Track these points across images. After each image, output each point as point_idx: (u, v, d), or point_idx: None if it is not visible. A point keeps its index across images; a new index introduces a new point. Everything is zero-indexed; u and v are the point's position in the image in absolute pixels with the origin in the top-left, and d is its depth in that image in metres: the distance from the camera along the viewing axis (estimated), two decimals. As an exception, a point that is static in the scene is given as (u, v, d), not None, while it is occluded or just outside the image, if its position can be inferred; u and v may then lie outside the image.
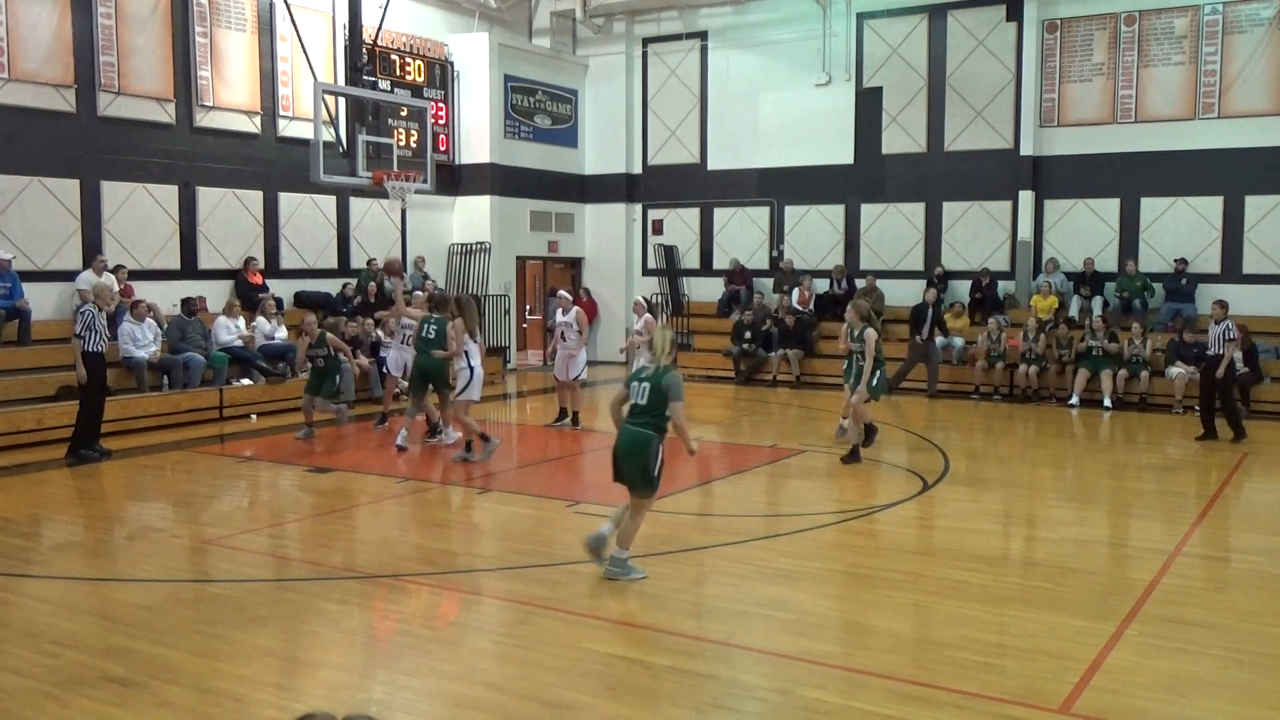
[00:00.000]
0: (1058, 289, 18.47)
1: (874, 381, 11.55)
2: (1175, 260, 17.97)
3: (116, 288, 15.03)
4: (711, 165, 22.42)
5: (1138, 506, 10.22)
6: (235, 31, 17.14)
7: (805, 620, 6.70)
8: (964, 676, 5.65)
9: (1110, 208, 18.91)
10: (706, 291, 22.18)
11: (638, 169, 23.23)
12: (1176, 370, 16.07)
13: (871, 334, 11.41)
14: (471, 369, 11.72)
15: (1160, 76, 18.37)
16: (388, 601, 7.08)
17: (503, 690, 5.50)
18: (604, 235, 23.52)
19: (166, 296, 15.74)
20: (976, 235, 19.95)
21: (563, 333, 14.08)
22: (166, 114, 16.29)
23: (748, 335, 19.78)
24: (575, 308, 14.34)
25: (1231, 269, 17.92)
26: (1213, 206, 18.07)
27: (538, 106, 22.28)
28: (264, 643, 6.15)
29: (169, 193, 16.39)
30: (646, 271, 23.17)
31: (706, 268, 22.49)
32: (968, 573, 7.60)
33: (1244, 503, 10.39)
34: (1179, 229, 18.28)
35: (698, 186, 22.51)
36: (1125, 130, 18.65)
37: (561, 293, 14.87)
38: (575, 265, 23.87)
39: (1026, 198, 19.40)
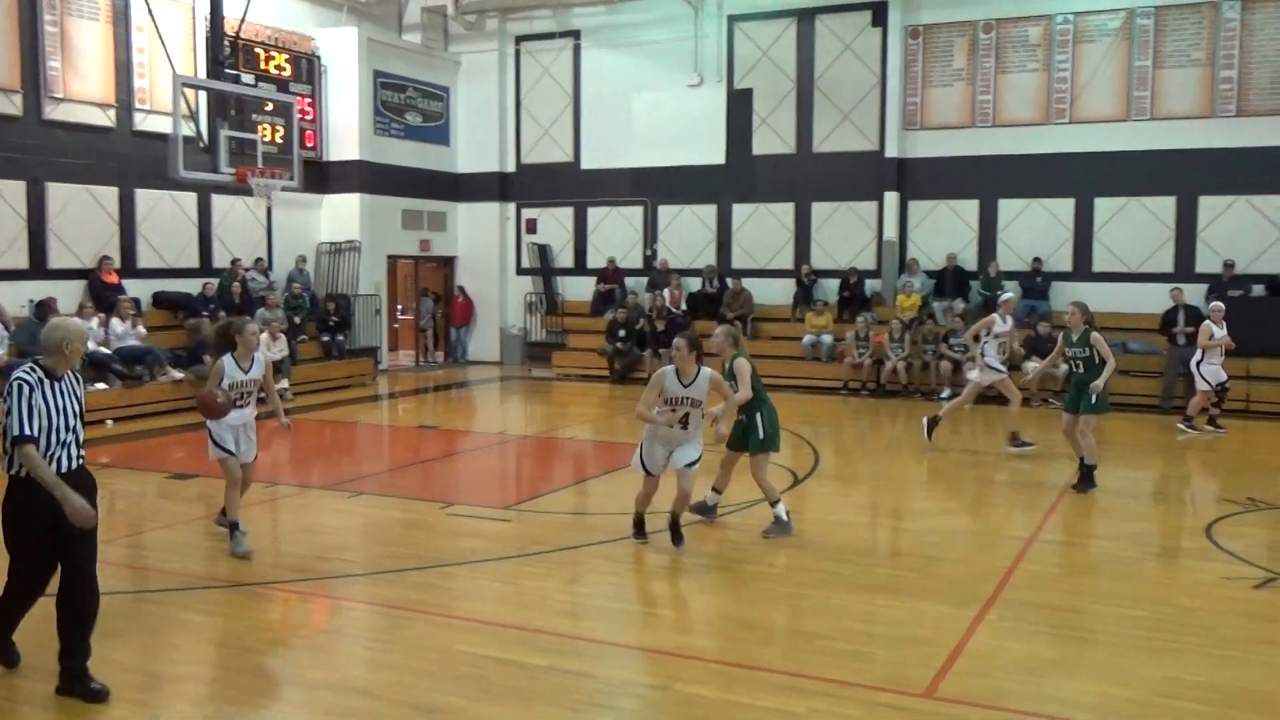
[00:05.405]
0: (918, 289, 19.02)
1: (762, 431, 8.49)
2: (1032, 259, 18.72)
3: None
4: (585, 164, 22.40)
5: (997, 496, 10.59)
6: (88, 20, 16.39)
7: (681, 616, 6.75)
8: (836, 665, 5.77)
9: (970, 208, 19.56)
10: (580, 291, 22.17)
11: (511, 167, 23.06)
12: (1032, 364, 16.68)
13: (744, 364, 8.28)
14: None
15: (1016, 83, 19.09)
16: (255, 610, 6.87)
17: (375, 697, 5.40)
18: (477, 234, 23.28)
19: (14, 297, 14.97)
20: (844, 235, 20.41)
21: (1002, 344, 12.30)
22: (13, 106, 15.48)
23: (621, 334, 19.86)
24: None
25: (1082, 268, 18.75)
26: (1065, 208, 18.87)
27: (408, 103, 21.92)
28: (122, 657, 5.89)
29: (16, 189, 15.57)
30: (520, 270, 23.03)
31: (581, 267, 22.46)
32: (838, 564, 7.78)
33: (1096, 491, 10.84)
34: (1034, 229, 19.02)
35: (571, 185, 22.46)
36: (984, 134, 19.32)
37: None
38: (448, 264, 23.59)
39: (891, 198, 19.93)
